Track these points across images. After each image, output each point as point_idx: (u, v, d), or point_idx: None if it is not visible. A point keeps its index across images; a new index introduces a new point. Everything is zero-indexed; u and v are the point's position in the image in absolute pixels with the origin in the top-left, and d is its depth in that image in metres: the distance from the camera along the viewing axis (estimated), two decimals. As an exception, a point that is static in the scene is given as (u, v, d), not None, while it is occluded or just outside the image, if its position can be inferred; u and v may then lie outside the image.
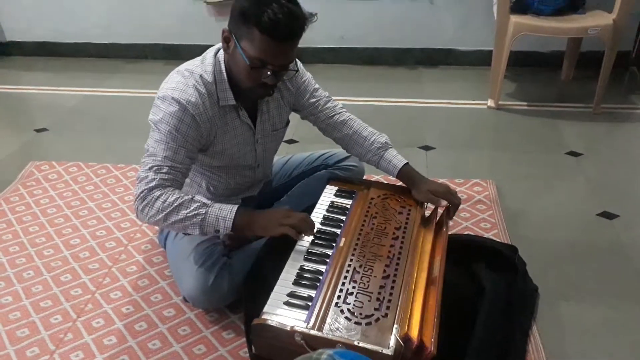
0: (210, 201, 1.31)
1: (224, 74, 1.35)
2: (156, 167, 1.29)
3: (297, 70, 1.40)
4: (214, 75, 1.35)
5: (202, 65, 1.36)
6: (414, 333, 1.10)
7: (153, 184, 1.28)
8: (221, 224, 1.28)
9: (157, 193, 1.27)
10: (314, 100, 1.54)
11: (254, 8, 1.19)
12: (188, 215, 1.27)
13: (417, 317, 1.13)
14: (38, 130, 2.58)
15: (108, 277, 1.63)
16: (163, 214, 1.28)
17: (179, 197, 1.28)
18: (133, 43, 3.39)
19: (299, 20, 1.22)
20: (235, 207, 1.30)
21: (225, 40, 1.29)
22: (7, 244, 1.78)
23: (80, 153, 2.35)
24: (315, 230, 1.33)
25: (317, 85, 1.57)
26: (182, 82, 1.33)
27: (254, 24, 1.20)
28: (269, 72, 1.26)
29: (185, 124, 1.31)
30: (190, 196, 1.29)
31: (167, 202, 1.27)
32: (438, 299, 1.17)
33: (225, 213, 1.28)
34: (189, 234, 1.37)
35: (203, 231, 1.30)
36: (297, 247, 1.31)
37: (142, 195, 1.28)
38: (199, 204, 1.29)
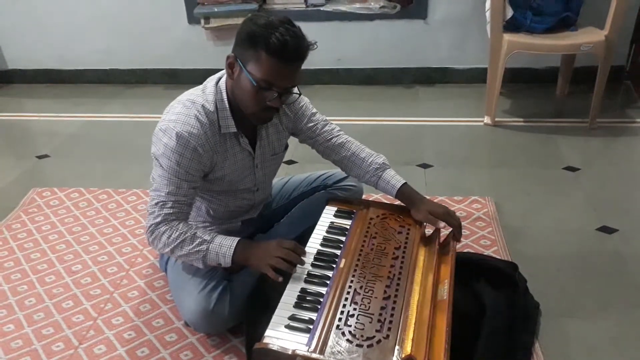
0: (211, 236, 1.35)
1: (226, 102, 1.38)
2: (161, 203, 1.35)
3: (300, 94, 1.43)
4: (216, 104, 1.38)
5: (204, 95, 1.39)
6: (419, 354, 1.09)
7: (159, 219, 1.34)
8: (221, 260, 1.34)
9: (163, 228, 1.34)
10: (312, 124, 1.57)
11: (262, 31, 1.23)
12: (191, 251, 1.34)
13: (423, 339, 1.13)
14: (40, 157, 2.61)
15: (110, 303, 1.63)
16: (169, 248, 1.35)
17: (182, 233, 1.33)
18: (133, 68, 3.44)
19: (304, 43, 1.27)
20: (235, 243, 1.34)
21: (230, 66, 1.33)
22: (9, 271, 1.79)
23: (81, 179, 2.36)
24: (305, 257, 1.33)
25: (314, 110, 1.59)
26: (183, 112, 1.35)
27: (262, 46, 1.23)
28: (274, 95, 1.30)
29: (187, 157, 1.33)
30: (193, 232, 1.34)
31: (171, 238, 1.34)
32: (449, 324, 1.16)
33: (224, 250, 1.33)
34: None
35: (206, 265, 1.37)
36: (297, 269, 1.32)
37: (150, 229, 1.36)
38: (200, 240, 1.34)
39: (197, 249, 1.33)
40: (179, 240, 1.33)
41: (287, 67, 1.27)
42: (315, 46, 1.30)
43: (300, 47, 1.26)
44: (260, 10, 3.11)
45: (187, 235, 1.34)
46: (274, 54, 1.23)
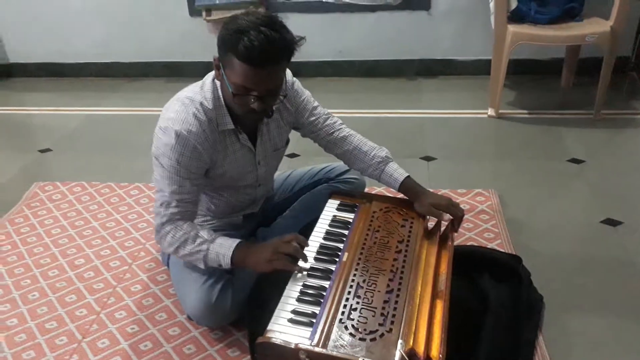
0: (213, 236, 1.35)
1: (222, 99, 1.37)
2: (165, 203, 1.36)
3: (285, 96, 1.41)
4: (213, 102, 1.37)
5: (202, 92, 1.37)
6: (420, 348, 1.09)
7: (164, 219, 1.36)
8: (221, 260, 1.34)
9: (168, 228, 1.36)
10: (314, 118, 1.55)
11: (232, 37, 1.21)
12: (192, 251, 1.35)
13: (423, 332, 1.13)
14: (42, 151, 2.61)
15: (113, 297, 1.63)
16: (173, 248, 1.37)
17: (185, 233, 1.35)
18: (134, 62, 3.42)
19: (277, 47, 1.22)
20: (235, 244, 1.33)
21: (216, 68, 1.32)
22: (13, 265, 1.79)
23: (83, 173, 2.36)
24: (304, 252, 1.31)
25: (316, 103, 1.57)
26: (182, 110, 1.34)
27: (232, 51, 1.21)
28: (253, 99, 1.27)
29: (186, 156, 1.33)
30: (195, 231, 1.35)
31: (175, 238, 1.35)
32: (445, 314, 1.16)
33: (224, 250, 1.33)
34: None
35: (207, 265, 1.36)
36: (300, 263, 1.31)
37: (157, 229, 1.38)
38: (201, 239, 1.34)
39: (199, 248, 1.34)
40: (182, 240, 1.34)
41: (259, 72, 1.22)
42: (303, 41, 1.27)
43: (270, 51, 1.20)
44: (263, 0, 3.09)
45: (190, 234, 1.34)
46: (244, 60, 1.20)
